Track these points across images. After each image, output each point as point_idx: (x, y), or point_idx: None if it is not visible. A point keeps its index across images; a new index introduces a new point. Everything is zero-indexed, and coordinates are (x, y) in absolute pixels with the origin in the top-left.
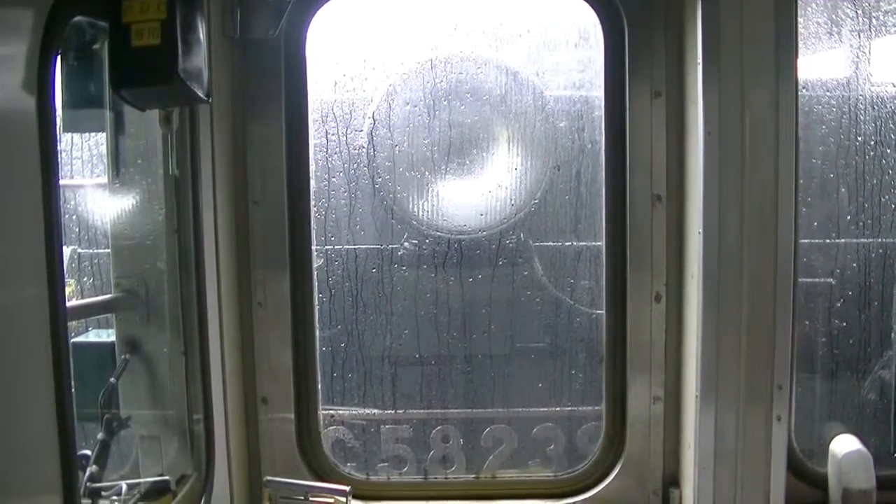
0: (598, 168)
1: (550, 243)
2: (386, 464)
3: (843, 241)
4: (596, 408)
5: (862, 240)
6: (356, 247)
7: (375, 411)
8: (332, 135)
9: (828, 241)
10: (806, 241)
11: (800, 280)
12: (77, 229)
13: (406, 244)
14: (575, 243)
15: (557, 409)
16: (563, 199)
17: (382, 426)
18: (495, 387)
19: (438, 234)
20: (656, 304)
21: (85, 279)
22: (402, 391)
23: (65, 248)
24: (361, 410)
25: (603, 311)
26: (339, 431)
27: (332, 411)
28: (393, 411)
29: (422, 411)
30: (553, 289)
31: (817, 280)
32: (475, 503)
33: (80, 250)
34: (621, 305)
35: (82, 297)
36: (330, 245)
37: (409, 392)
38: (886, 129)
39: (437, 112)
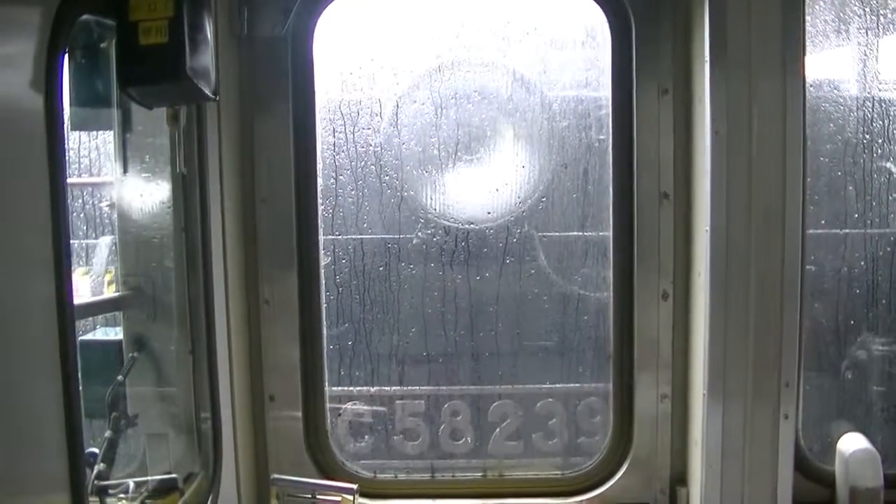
0: (605, 166)
1: (556, 233)
2: (399, 436)
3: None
4: (604, 384)
5: (870, 230)
6: (363, 241)
7: (383, 409)
8: (340, 133)
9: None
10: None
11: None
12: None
13: (418, 234)
14: (583, 234)
15: (560, 385)
16: (571, 196)
17: (389, 428)
18: (502, 377)
19: (446, 223)
20: (664, 301)
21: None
22: (408, 384)
23: (105, 237)
24: (369, 408)
25: (609, 304)
26: (350, 413)
27: (339, 402)
28: (401, 388)
29: (431, 387)
30: (560, 280)
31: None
32: (482, 501)
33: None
34: (629, 303)
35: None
36: (339, 243)
37: (415, 385)
38: (895, 126)
39: (444, 110)
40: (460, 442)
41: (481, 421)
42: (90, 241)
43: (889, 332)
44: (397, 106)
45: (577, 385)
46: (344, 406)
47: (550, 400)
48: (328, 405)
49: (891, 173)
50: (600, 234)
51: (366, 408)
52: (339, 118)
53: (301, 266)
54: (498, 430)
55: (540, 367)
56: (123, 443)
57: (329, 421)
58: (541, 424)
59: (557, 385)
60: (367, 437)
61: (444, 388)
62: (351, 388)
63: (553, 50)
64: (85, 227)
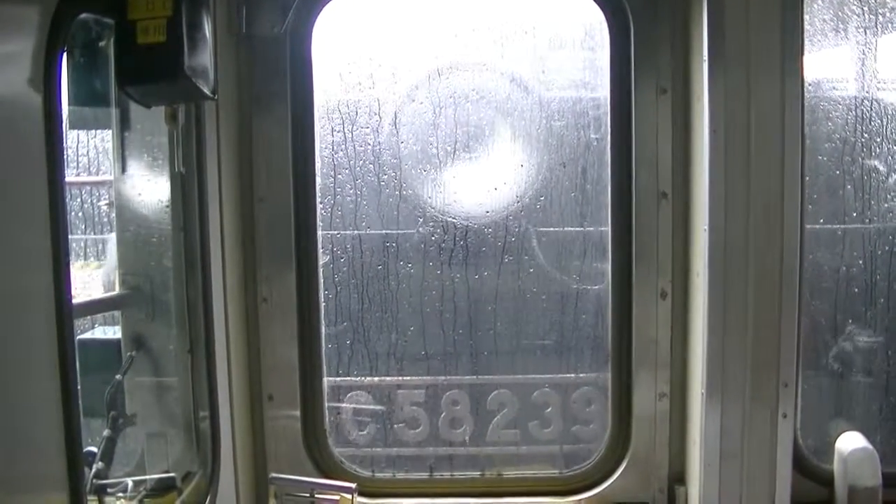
0: (603, 165)
1: (553, 228)
2: (401, 424)
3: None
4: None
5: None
6: (361, 239)
7: (381, 407)
8: (338, 131)
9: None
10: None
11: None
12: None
13: (419, 230)
14: (582, 231)
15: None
16: (569, 195)
17: (388, 424)
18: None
19: (445, 220)
20: (662, 301)
21: None
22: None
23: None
24: (368, 407)
25: (607, 301)
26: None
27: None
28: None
29: (431, 377)
30: (558, 276)
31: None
32: (481, 500)
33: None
34: (627, 302)
35: None
36: (336, 241)
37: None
38: (893, 125)
39: (442, 109)
40: (459, 430)
41: (480, 411)
42: (103, 236)
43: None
44: (396, 105)
45: (573, 375)
46: (342, 405)
47: (547, 389)
48: (327, 404)
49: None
50: (599, 229)
51: (367, 407)
52: (338, 117)
53: (299, 265)
54: (496, 419)
55: (538, 362)
56: (122, 442)
57: (328, 420)
58: (537, 413)
59: (556, 375)
60: (368, 426)
61: (441, 378)
62: (353, 378)
63: (552, 49)
64: (84, 226)
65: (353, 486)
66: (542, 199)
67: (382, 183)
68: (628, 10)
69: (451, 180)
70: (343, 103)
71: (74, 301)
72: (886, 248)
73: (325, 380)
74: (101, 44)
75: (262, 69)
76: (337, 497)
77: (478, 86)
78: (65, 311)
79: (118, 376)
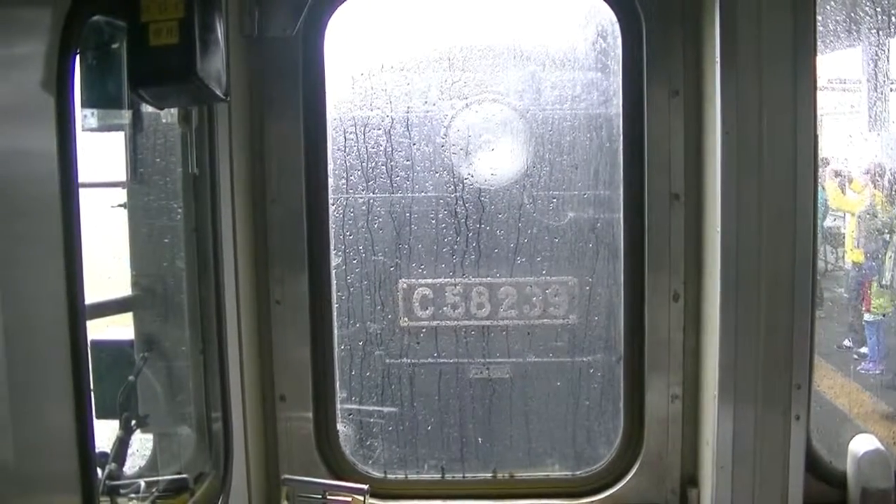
0: (615, 166)
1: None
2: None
3: None
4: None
5: None
6: (373, 240)
7: (394, 409)
8: (351, 133)
9: None
10: None
11: None
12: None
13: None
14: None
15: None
16: (582, 196)
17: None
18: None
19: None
20: (674, 303)
21: None
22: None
23: None
24: (381, 408)
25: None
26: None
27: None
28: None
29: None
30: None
31: None
32: (492, 502)
33: None
34: (639, 304)
35: None
36: (349, 242)
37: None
38: None
39: (454, 110)
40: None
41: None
42: None
43: None
44: (408, 108)
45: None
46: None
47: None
48: (339, 405)
49: None
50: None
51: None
52: (350, 119)
53: (312, 266)
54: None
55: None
56: (134, 443)
57: (340, 421)
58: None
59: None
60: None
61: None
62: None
63: (563, 49)
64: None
65: (366, 487)
66: (555, 199)
67: (395, 185)
68: (641, 12)
69: (462, 180)
70: (355, 104)
71: (87, 302)
72: None
73: (338, 381)
74: (114, 46)
75: (275, 71)
76: (349, 498)
77: (488, 86)
78: (78, 313)
79: (131, 377)
